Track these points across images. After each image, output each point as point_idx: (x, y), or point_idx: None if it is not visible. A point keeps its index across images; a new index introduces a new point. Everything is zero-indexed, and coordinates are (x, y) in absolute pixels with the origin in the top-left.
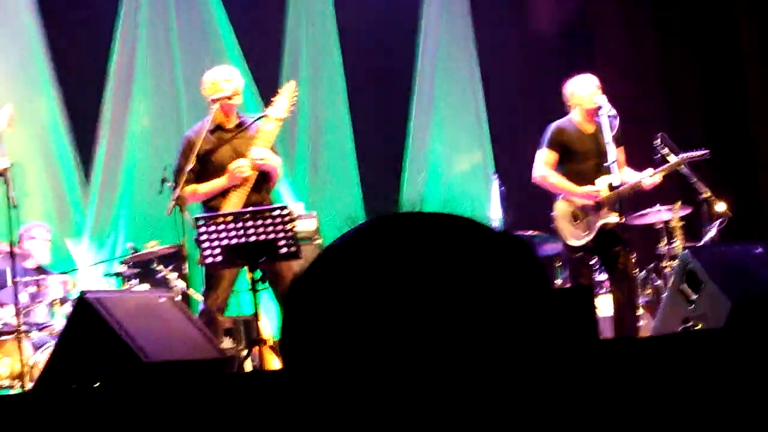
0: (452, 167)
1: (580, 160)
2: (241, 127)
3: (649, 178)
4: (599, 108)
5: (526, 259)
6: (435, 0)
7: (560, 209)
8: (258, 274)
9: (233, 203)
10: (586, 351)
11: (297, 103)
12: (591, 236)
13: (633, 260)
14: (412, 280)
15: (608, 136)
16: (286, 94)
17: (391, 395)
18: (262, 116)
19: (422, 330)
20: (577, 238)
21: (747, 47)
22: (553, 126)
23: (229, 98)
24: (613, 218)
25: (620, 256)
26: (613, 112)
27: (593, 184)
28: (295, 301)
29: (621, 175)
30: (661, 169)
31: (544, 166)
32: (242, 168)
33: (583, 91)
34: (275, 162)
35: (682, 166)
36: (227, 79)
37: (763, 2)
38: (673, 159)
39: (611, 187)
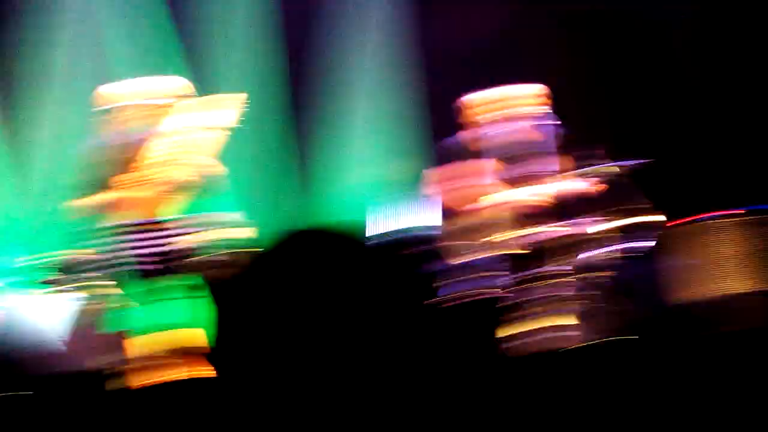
0: (351, 180)
1: (476, 172)
2: (151, 138)
3: (564, 191)
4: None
5: (417, 274)
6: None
7: (463, 222)
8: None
9: (137, 214)
10: (487, 361)
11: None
12: (526, 246)
13: (551, 273)
14: (320, 291)
15: (519, 148)
16: (226, 104)
17: (313, 394)
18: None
19: (335, 339)
20: (510, 246)
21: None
22: (448, 143)
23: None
24: (547, 228)
25: (537, 270)
26: (534, 123)
27: (500, 195)
28: (222, 311)
29: (539, 185)
30: (589, 177)
31: (443, 180)
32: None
33: (491, 106)
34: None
35: (613, 175)
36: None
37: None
38: (597, 165)
39: (546, 196)
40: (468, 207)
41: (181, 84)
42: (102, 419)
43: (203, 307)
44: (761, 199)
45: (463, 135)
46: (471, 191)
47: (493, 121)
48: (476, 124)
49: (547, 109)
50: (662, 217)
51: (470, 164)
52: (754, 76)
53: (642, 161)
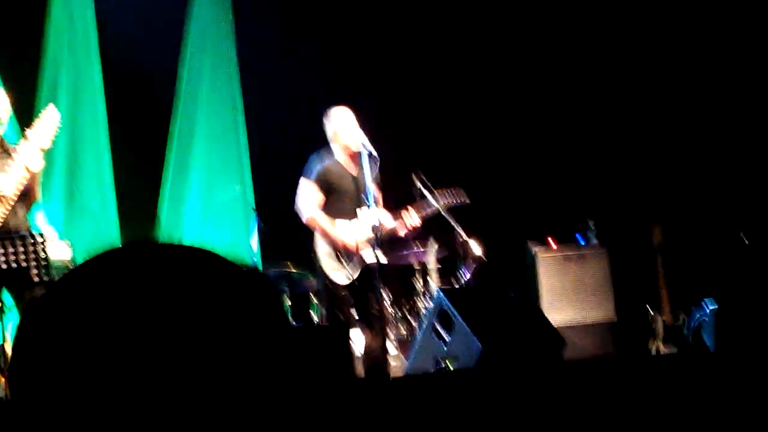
0: (213, 199)
1: (340, 198)
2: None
3: (408, 219)
4: (362, 147)
5: (266, 297)
6: (199, 29)
7: (322, 247)
8: (10, 300)
9: None
10: (340, 386)
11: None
12: (355, 275)
13: (389, 300)
14: (151, 310)
15: (369, 176)
16: (47, 120)
17: (114, 424)
18: (21, 143)
19: (156, 362)
20: (340, 275)
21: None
22: (318, 163)
23: None
24: (373, 257)
25: (373, 298)
26: (374, 153)
27: (351, 222)
28: (29, 326)
29: (380, 214)
30: (420, 211)
31: (311, 205)
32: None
33: (347, 132)
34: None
35: (439, 209)
36: None
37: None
38: (430, 199)
39: (372, 229)
40: (337, 239)
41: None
42: None
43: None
44: (580, 231)
45: (331, 154)
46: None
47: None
48: (345, 147)
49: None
50: (480, 248)
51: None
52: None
53: (466, 201)
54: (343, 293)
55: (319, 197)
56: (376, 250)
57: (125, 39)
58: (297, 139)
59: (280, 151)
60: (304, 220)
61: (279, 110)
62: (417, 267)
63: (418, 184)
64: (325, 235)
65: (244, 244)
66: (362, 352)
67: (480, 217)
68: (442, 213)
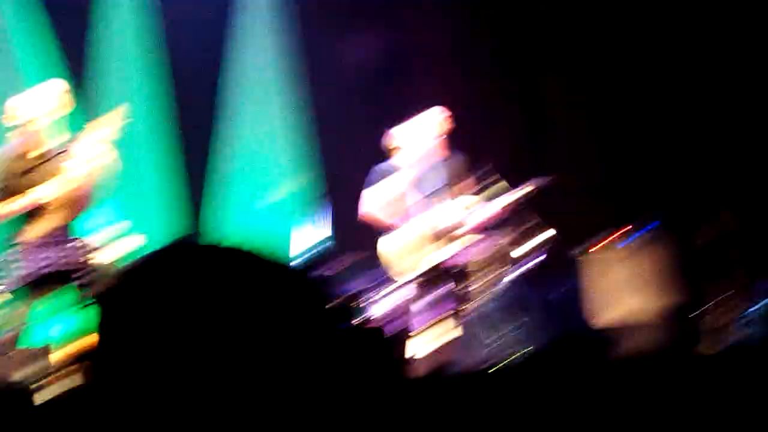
0: (258, 199)
1: (407, 194)
2: (48, 154)
3: (476, 216)
4: (438, 146)
5: (312, 298)
6: (246, 16)
7: (388, 243)
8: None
9: (33, 231)
10: (386, 389)
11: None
12: (424, 269)
13: (458, 297)
14: (194, 313)
15: (438, 175)
16: (108, 120)
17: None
18: (70, 147)
19: (199, 365)
20: (406, 272)
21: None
22: (378, 170)
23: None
24: (443, 254)
25: (445, 293)
26: (446, 153)
27: (420, 218)
28: (96, 323)
29: (453, 210)
30: (494, 203)
31: (372, 199)
32: (40, 195)
33: (417, 139)
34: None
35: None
36: (41, 101)
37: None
38: (501, 191)
39: (444, 223)
40: (393, 227)
41: (66, 95)
42: None
43: (90, 318)
44: (651, 217)
45: (392, 160)
46: (397, 211)
47: (416, 147)
48: (400, 149)
49: (445, 132)
50: (550, 236)
51: (397, 185)
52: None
53: (539, 183)
54: (409, 288)
55: (381, 194)
56: (445, 246)
57: (172, 32)
58: (365, 128)
59: (334, 147)
60: (362, 214)
61: (346, 98)
62: (468, 265)
63: (485, 179)
64: (392, 229)
65: (289, 244)
66: (429, 351)
67: (540, 213)
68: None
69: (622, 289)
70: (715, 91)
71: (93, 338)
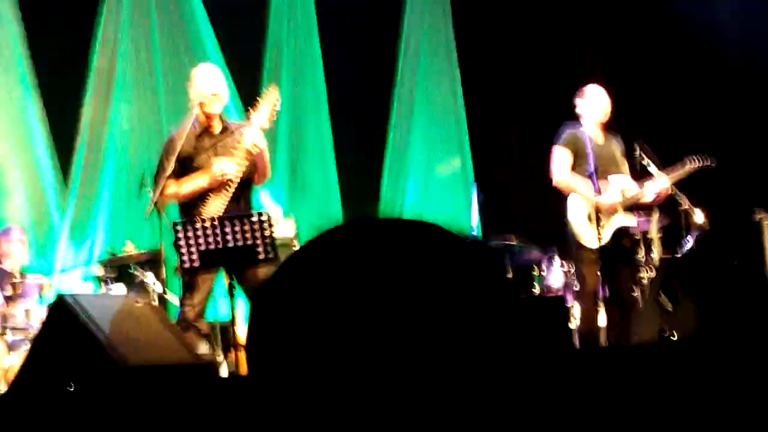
0: (432, 174)
1: (588, 165)
2: (225, 132)
3: (655, 187)
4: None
5: (492, 269)
6: (417, 6)
7: (575, 209)
8: (235, 279)
9: (213, 208)
10: (558, 359)
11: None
12: (607, 239)
13: (642, 267)
14: (375, 287)
15: (615, 147)
16: (269, 100)
17: (356, 400)
18: (245, 125)
19: (384, 338)
20: (591, 238)
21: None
22: (568, 129)
23: (215, 99)
24: (627, 221)
25: (624, 271)
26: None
27: (598, 191)
28: (262, 306)
29: (628, 182)
30: (671, 176)
31: (561, 166)
32: (225, 170)
33: (594, 104)
34: (262, 163)
35: (683, 175)
36: (211, 81)
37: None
38: (654, 168)
39: (623, 194)
40: (581, 193)
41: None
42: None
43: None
44: None
45: (579, 125)
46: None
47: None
48: (594, 118)
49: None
50: (703, 218)
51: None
52: None
53: (709, 163)
54: (592, 256)
55: (568, 160)
56: (624, 216)
57: (344, 18)
58: (516, 111)
59: (499, 123)
60: (553, 182)
61: (497, 82)
62: (638, 236)
63: (640, 153)
64: (577, 196)
65: (464, 218)
66: (605, 323)
67: (705, 185)
68: (682, 177)
69: None
70: None
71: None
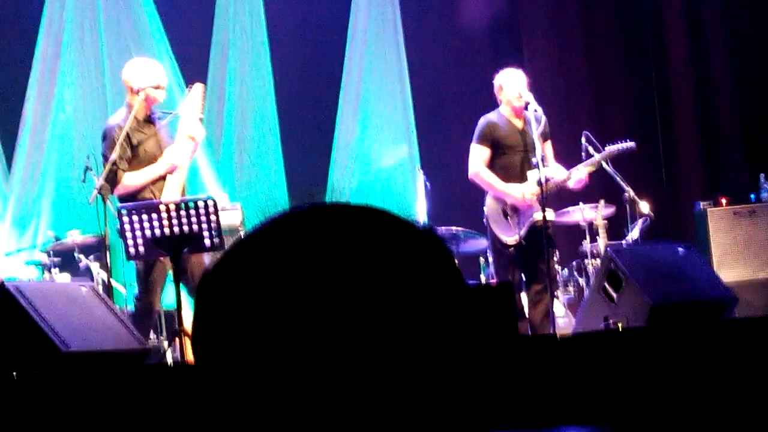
0: (379, 161)
1: (508, 154)
2: (159, 120)
3: (576, 172)
4: (527, 104)
5: (441, 255)
6: None
7: (491, 206)
8: (183, 266)
9: (171, 192)
10: (505, 347)
11: (224, 95)
12: (523, 233)
13: (556, 260)
14: (323, 273)
15: (535, 132)
16: (196, 94)
17: (301, 390)
18: (175, 113)
19: (332, 324)
20: (508, 235)
21: (674, 52)
22: (483, 120)
23: (156, 90)
24: (541, 215)
25: (544, 255)
26: (539, 109)
27: (520, 178)
28: (206, 293)
29: (548, 170)
30: (585, 163)
31: (478, 162)
32: (176, 157)
33: (511, 88)
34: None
35: (606, 163)
36: (157, 72)
37: (690, 7)
38: (594, 154)
39: (538, 184)
40: (505, 192)
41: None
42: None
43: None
44: (749, 188)
45: (497, 111)
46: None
47: (524, 103)
48: (510, 102)
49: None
50: (648, 207)
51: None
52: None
53: (631, 144)
54: (511, 252)
55: (486, 153)
56: (544, 207)
57: (292, 5)
58: (465, 99)
59: (447, 112)
60: (469, 176)
61: (443, 70)
62: (583, 225)
63: (585, 144)
64: (493, 192)
65: (410, 206)
66: (531, 312)
67: (650, 175)
68: (608, 167)
69: (739, 248)
70: None
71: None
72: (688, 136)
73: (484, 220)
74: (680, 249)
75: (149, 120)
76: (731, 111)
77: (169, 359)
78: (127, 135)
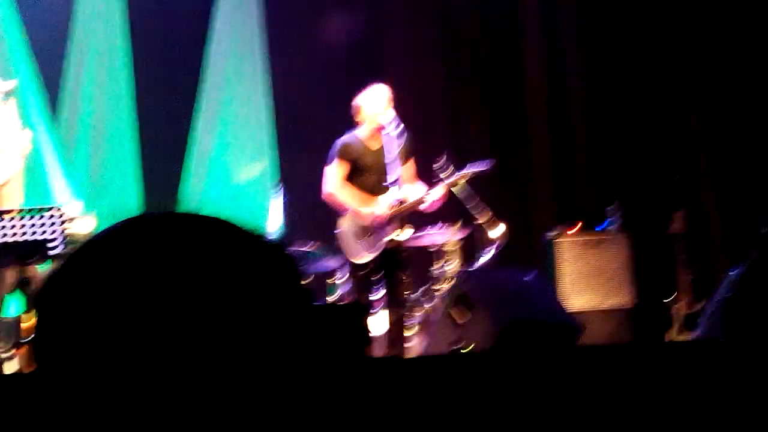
0: (235, 175)
1: (364, 175)
2: None
3: (428, 196)
4: (387, 122)
5: (284, 269)
6: (227, 4)
7: (344, 225)
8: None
9: (7, 199)
10: (353, 367)
11: (79, 101)
12: (375, 254)
13: (407, 282)
14: (165, 279)
15: (391, 153)
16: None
17: (140, 396)
18: None
19: (171, 331)
20: (360, 255)
21: (531, 78)
22: (339, 142)
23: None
24: (396, 235)
25: (396, 277)
26: (400, 128)
27: (375, 199)
28: (45, 299)
29: (406, 190)
30: (441, 184)
31: (331, 181)
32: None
33: (372, 107)
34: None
35: (459, 187)
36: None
37: (550, 48)
38: (449, 175)
39: (392, 206)
40: (356, 210)
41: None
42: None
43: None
44: (601, 218)
45: (355, 131)
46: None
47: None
48: (369, 122)
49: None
50: (503, 228)
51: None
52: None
53: (484, 168)
54: (362, 273)
55: (341, 173)
56: (396, 229)
57: (154, 14)
58: (328, 116)
59: (308, 127)
60: (323, 196)
61: (306, 88)
62: (436, 248)
63: (444, 164)
64: (344, 212)
65: (263, 221)
66: (380, 333)
67: (508, 199)
68: (461, 191)
69: (587, 277)
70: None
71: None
72: (544, 161)
73: (336, 239)
74: (528, 276)
75: None
76: (585, 138)
77: (12, 369)
78: None
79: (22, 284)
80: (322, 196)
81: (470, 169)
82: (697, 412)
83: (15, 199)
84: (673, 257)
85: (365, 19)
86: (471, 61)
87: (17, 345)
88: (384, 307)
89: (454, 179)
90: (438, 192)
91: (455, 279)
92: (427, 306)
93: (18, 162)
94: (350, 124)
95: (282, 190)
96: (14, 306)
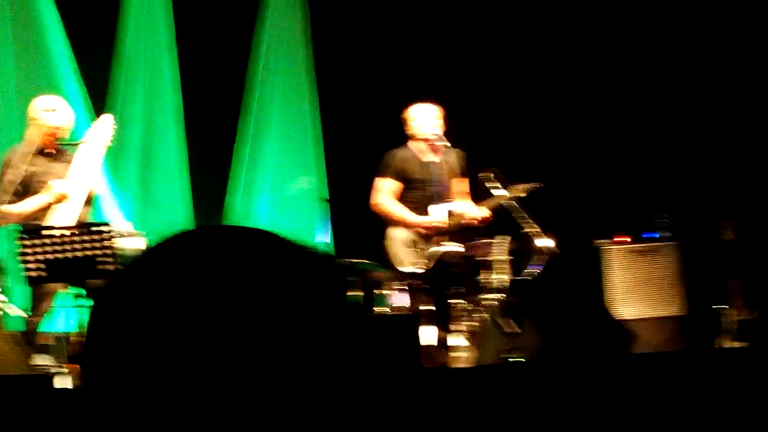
0: (284, 191)
1: (417, 188)
2: (61, 153)
3: (479, 213)
4: (437, 138)
5: (333, 281)
6: (274, 21)
7: (394, 236)
8: (81, 290)
9: (61, 219)
10: (403, 377)
11: (130, 121)
12: (426, 264)
13: (456, 292)
14: (217, 293)
15: (440, 167)
16: (105, 124)
17: (194, 410)
18: (80, 143)
19: (224, 344)
20: (411, 266)
21: (577, 105)
22: (389, 154)
23: (57, 129)
24: (451, 247)
25: (446, 288)
26: (448, 143)
27: (427, 212)
28: (96, 316)
29: (455, 205)
30: (490, 200)
31: (380, 193)
32: (62, 189)
33: (421, 121)
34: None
35: (510, 200)
36: (68, 113)
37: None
38: (499, 191)
39: (449, 216)
40: (409, 221)
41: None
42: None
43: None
44: (650, 227)
45: (406, 145)
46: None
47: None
48: (414, 138)
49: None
50: (552, 242)
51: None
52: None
53: (536, 185)
54: (412, 283)
55: (393, 186)
56: (450, 241)
57: (200, 30)
58: (374, 133)
59: (357, 145)
60: (370, 206)
61: (356, 103)
62: (487, 259)
63: (490, 181)
64: (392, 222)
65: (314, 235)
66: (430, 344)
67: (553, 212)
68: (512, 203)
69: (637, 286)
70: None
71: (84, 334)
72: (592, 170)
73: (385, 249)
74: (579, 286)
75: (44, 153)
76: (633, 145)
77: (65, 384)
78: (12, 166)
79: (75, 300)
80: (371, 207)
81: (521, 186)
82: (749, 418)
83: (68, 217)
84: (724, 265)
85: (415, 33)
86: (517, 78)
87: (70, 360)
88: (433, 318)
89: (497, 198)
90: (488, 208)
91: (504, 290)
92: (475, 316)
93: (84, 208)
94: (400, 137)
95: (330, 202)
96: (68, 322)
